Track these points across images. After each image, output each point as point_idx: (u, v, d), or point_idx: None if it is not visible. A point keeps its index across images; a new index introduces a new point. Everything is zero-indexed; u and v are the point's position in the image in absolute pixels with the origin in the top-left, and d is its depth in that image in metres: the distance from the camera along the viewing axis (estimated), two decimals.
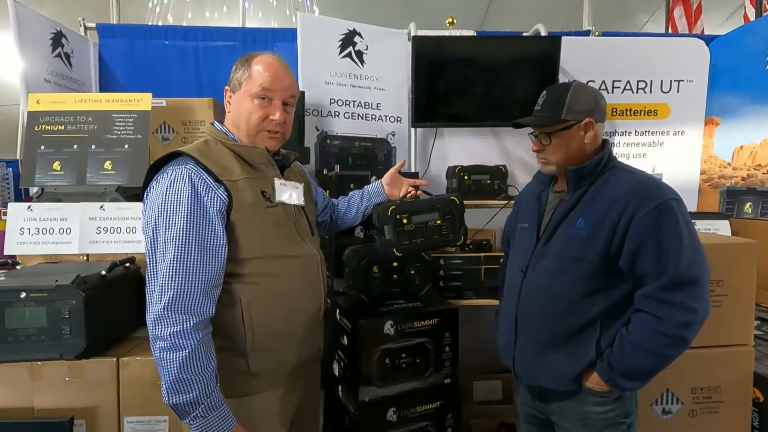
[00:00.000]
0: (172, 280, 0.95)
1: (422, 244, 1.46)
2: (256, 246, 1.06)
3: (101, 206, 1.68)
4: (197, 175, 1.01)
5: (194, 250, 0.97)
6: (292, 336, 1.13)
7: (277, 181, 1.14)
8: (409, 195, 1.50)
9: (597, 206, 1.12)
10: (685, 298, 1.03)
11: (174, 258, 0.96)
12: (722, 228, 2.19)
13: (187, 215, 0.97)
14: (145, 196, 1.05)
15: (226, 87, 1.14)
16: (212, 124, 1.17)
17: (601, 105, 1.19)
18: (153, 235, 0.98)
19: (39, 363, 1.36)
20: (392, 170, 1.53)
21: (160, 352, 0.94)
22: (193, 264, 0.96)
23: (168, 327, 0.94)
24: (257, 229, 1.06)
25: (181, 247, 0.96)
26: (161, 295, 0.95)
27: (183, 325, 0.94)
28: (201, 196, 1.00)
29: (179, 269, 0.96)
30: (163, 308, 0.94)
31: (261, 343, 1.07)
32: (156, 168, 1.05)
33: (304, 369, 1.21)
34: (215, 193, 1.01)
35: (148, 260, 1.00)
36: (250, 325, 1.05)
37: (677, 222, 1.05)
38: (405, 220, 1.42)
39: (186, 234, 0.97)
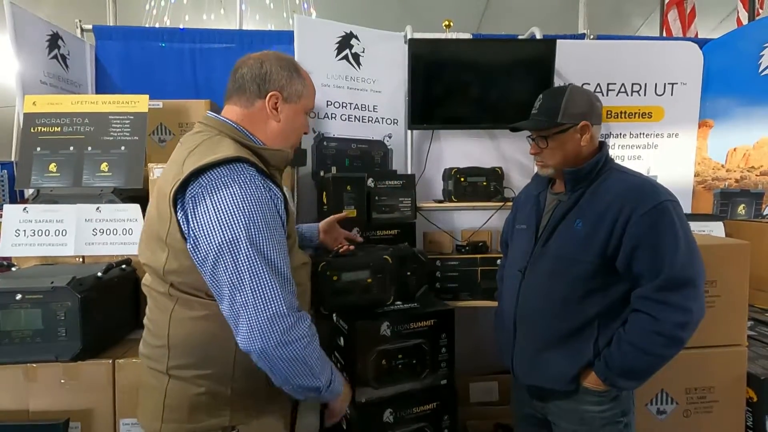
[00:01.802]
0: (279, 286, 0.89)
1: (350, 303, 1.45)
2: (294, 257, 1.03)
3: (97, 208, 1.68)
4: (265, 184, 0.93)
5: (283, 254, 0.92)
6: None
7: (285, 188, 1.12)
8: (342, 249, 1.47)
9: (595, 207, 1.13)
10: (681, 298, 1.05)
11: (274, 262, 0.89)
12: (716, 229, 2.21)
13: (272, 220, 0.91)
14: (192, 203, 0.90)
15: (275, 92, 1.02)
16: (218, 119, 1.03)
17: (597, 108, 1.20)
18: (239, 246, 0.87)
19: (34, 365, 1.35)
20: (332, 218, 1.51)
21: (304, 349, 0.90)
22: (286, 266, 0.92)
23: (298, 324, 0.90)
24: (293, 239, 1.05)
25: (278, 251, 0.91)
26: (271, 300, 0.87)
27: (303, 317, 0.92)
28: (277, 205, 0.95)
29: (280, 273, 0.90)
30: (288, 309, 0.88)
31: None
32: (197, 174, 0.91)
33: None
34: (280, 201, 0.97)
35: (230, 274, 0.87)
36: None
37: (673, 223, 1.07)
38: (335, 278, 1.40)
39: (275, 238, 0.91)
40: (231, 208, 0.87)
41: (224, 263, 0.87)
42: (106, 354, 1.42)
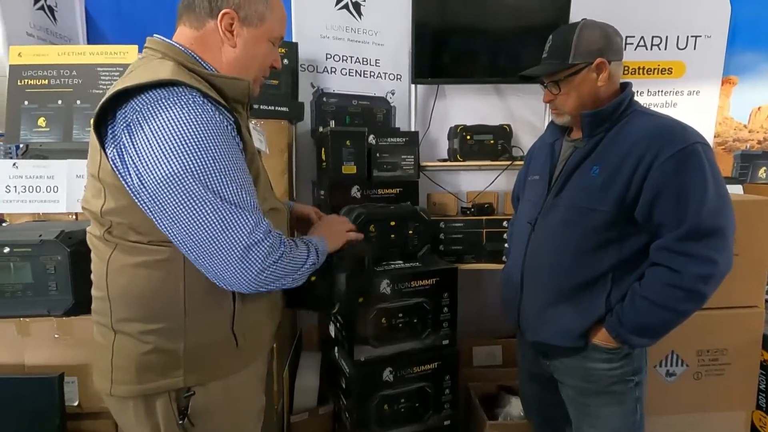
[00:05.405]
0: (240, 215, 0.77)
1: None
2: (262, 201, 0.89)
3: None
4: (214, 108, 0.79)
5: (243, 182, 0.80)
6: (272, 298, 1.01)
7: (251, 125, 1.01)
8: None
9: (614, 152, 1.03)
10: (706, 249, 0.95)
11: (230, 193, 0.77)
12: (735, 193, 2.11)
13: (225, 145, 0.78)
14: (129, 132, 0.75)
15: (229, 11, 0.85)
16: (164, 41, 0.88)
17: (616, 42, 1.09)
18: (186, 179, 0.75)
19: (27, 319, 1.33)
20: (312, 212, 1.21)
21: (288, 264, 0.83)
22: (248, 195, 0.80)
23: (276, 245, 0.81)
24: (258, 178, 0.90)
25: (234, 179, 0.78)
26: (239, 232, 0.77)
27: (277, 235, 0.82)
28: (228, 131, 0.81)
29: (240, 203, 0.78)
30: (263, 234, 0.79)
31: (249, 313, 0.91)
32: (125, 97, 0.76)
33: (275, 335, 1.09)
34: (234, 132, 0.82)
35: (180, 213, 0.76)
36: (240, 295, 0.88)
37: (702, 167, 0.96)
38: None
39: (230, 165, 0.78)
40: (174, 133, 0.74)
41: (173, 201, 0.75)
42: None
